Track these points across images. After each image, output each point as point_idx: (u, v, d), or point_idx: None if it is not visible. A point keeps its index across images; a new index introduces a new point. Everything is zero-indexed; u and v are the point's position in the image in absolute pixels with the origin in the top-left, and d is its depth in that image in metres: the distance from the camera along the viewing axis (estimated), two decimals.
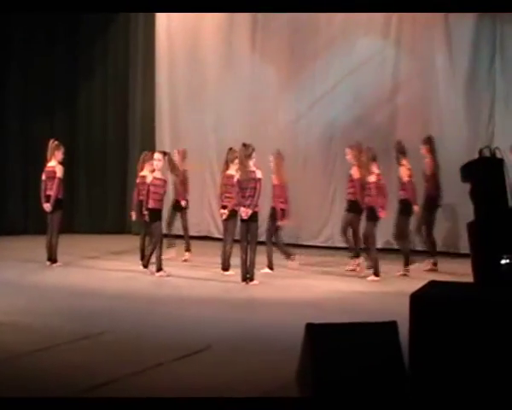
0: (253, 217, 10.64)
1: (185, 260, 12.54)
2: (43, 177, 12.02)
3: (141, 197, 11.99)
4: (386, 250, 13.66)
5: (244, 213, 10.60)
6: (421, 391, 5.27)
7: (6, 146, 15.73)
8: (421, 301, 5.32)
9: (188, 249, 12.70)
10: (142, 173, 12.28)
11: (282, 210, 11.60)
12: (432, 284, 5.87)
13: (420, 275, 10.66)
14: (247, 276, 10.67)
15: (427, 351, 5.27)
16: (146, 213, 11.28)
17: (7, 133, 15.75)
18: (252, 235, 10.66)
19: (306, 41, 14.44)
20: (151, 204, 11.18)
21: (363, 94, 13.99)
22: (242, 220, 10.69)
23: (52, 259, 11.96)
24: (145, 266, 11.32)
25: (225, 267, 11.31)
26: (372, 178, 10.96)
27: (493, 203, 6.01)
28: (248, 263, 10.65)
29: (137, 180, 12.25)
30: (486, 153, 6.29)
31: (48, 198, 11.89)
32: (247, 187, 10.62)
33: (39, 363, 6.76)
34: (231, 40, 15.10)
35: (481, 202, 6.07)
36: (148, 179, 11.35)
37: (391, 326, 5.59)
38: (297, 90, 14.53)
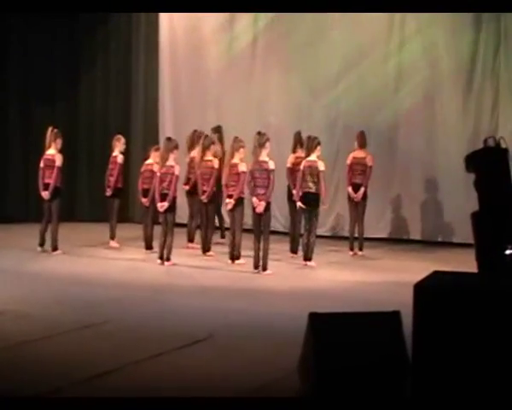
0: (266, 206, 10.62)
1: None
2: (42, 164, 12.04)
3: (145, 186, 11.94)
4: (387, 240, 13.71)
5: (257, 206, 10.58)
6: (424, 382, 5.25)
7: (7, 135, 15.70)
8: (425, 291, 5.29)
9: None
10: (147, 162, 12.29)
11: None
12: (436, 274, 5.84)
13: (419, 266, 10.61)
14: (259, 265, 10.65)
15: (431, 341, 5.24)
16: (164, 203, 11.13)
17: (8, 122, 15.71)
18: (264, 224, 10.64)
19: (308, 35, 14.38)
20: (172, 194, 11.13)
21: (367, 84, 13.95)
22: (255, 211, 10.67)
23: (52, 247, 11.95)
24: (168, 259, 11.18)
25: (235, 257, 11.24)
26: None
27: (498, 193, 5.98)
28: (261, 253, 10.62)
29: (142, 168, 12.30)
30: (491, 143, 6.26)
31: (46, 186, 11.91)
32: (259, 177, 10.62)
33: (40, 352, 6.76)
34: (233, 32, 15.06)
35: (486, 192, 6.04)
36: (177, 170, 11.15)
37: (394, 316, 5.57)
38: (299, 84, 14.48)
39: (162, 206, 11.15)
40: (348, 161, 12.45)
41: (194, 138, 12.42)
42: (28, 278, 10.21)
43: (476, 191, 6.07)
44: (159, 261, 11.18)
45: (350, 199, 12.44)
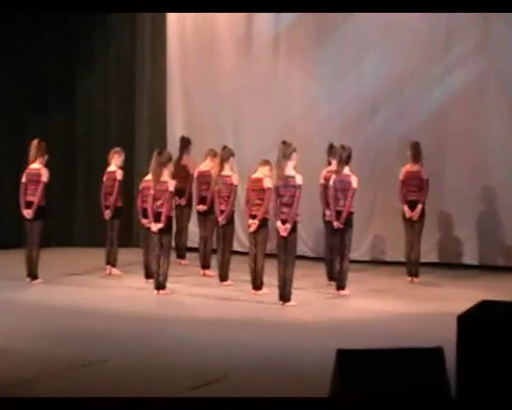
0: (292, 228, 10.46)
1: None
2: (24, 179, 11.99)
3: (145, 205, 11.82)
4: (438, 265, 13.65)
5: (282, 230, 10.43)
6: None
7: None
8: (469, 322, 5.28)
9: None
10: (146, 178, 12.22)
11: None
12: (483, 303, 5.83)
13: (472, 294, 10.57)
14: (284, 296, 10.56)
15: (477, 378, 5.23)
16: (158, 224, 11.24)
17: None
18: (290, 247, 10.51)
19: (331, 33, 14.48)
20: (166, 212, 11.21)
21: (404, 91, 14.02)
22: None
23: (32, 275, 11.97)
24: (163, 286, 11.24)
25: (257, 286, 11.20)
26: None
27: None
28: (285, 280, 10.52)
29: (141, 185, 12.17)
30: None
31: (29, 204, 11.87)
32: (284, 195, 10.48)
33: (34, 393, 6.77)
34: (252, 29, 15.15)
35: None
36: (171, 185, 11.32)
37: (436, 353, 5.55)
38: (323, 85, 14.54)
39: (156, 226, 11.23)
40: (401, 177, 12.46)
41: (207, 153, 13.34)
42: (19, 308, 10.29)
43: None
44: (155, 292, 11.22)
45: (405, 218, 12.47)
